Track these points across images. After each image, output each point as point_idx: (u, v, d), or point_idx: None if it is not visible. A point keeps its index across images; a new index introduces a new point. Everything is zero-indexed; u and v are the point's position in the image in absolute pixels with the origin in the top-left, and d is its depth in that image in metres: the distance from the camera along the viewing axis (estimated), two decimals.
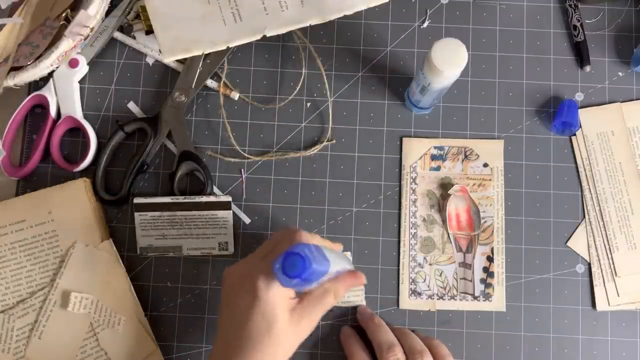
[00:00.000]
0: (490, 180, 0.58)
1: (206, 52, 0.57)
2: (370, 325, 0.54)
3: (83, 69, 0.59)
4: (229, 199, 0.57)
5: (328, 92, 0.59)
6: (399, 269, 0.57)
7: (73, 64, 0.58)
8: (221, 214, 0.56)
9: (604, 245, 0.57)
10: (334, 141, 0.59)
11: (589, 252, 0.57)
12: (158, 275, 0.57)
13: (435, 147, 0.59)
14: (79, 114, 0.58)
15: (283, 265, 0.39)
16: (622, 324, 0.56)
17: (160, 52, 0.58)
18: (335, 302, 0.47)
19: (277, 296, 0.43)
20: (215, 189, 0.58)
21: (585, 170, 0.58)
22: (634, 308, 0.56)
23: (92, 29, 0.56)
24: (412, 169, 0.58)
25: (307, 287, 0.42)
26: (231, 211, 0.57)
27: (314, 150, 0.58)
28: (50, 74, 0.58)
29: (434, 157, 0.58)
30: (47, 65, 0.56)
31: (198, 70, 0.58)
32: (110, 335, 0.54)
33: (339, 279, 0.48)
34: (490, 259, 0.57)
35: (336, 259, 0.45)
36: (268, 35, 0.56)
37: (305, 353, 0.56)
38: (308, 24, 0.56)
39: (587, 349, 0.56)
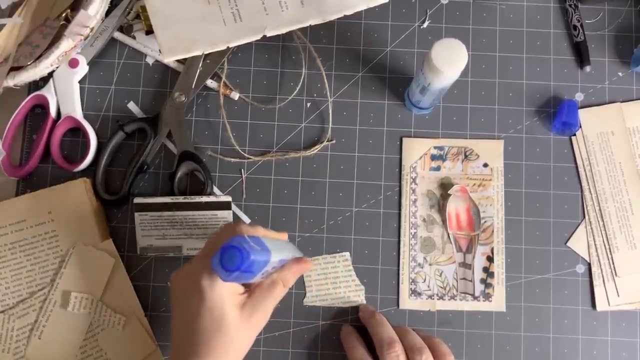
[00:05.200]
0: (490, 180, 0.58)
1: (206, 52, 0.57)
2: (372, 322, 0.54)
3: (83, 69, 0.59)
4: (229, 199, 0.57)
5: (328, 92, 0.59)
6: (399, 269, 0.57)
7: (73, 64, 0.58)
8: (221, 214, 0.56)
9: (604, 245, 0.57)
10: (334, 141, 0.59)
11: (589, 252, 0.57)
12: (158, 275, 0.57)
13: (435, 147, 0.59)
14: (79, 114, 0.58)
15: (221, 260, 0.39)
16: (622, 324, 0.56)
17: (160, 52, 0.58)
18: (285, 291, 0.47)
19: (224, 293, 0.43)
20: (215, 189, 0.58)
21: (585, 170, 0.58)
22: (634, 308, 0.56)
23: (92, 29, 0.56)
24: (412, 169, 0.58)
25: (252, 279, 0.42)
26: (231, 211, 0.57)
27: (314, 150, 0.58)
28: (50, 74, 0.58)
29: (434, 157, 0.58)
30: (47, 65, 0.56)
31: (198, 70, 0.58)
32: (110, 335, 0.54)
33: (286, 268, 0.48)
34: (490, 259, 0.57)
35: (279, 248, 0.45)
36: (268, 35, 0.56)
37: (305, 353, 0.56)
38: (308, 24, 0.56)
39: (587, 349, 0.56)
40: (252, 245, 0.40)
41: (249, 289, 0.46)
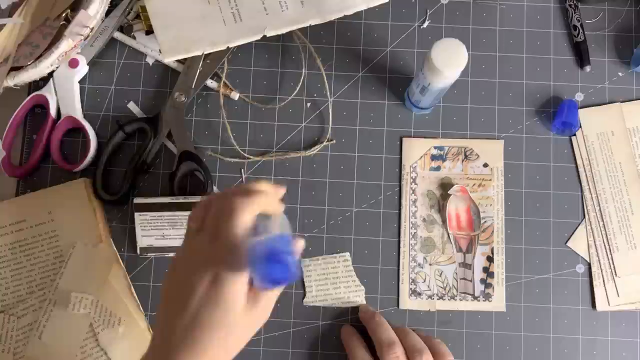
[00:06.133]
0: (490, 180, 0.58)
1: (206, 52, 0.57)
2: (372, 323, 0.54)
3: (83, 69, 0.59)
4: None
5: (328, 92, 0.59)
6: (399, 269, 0.57)
7: (73, 64, 0.58)
8: None
9: (604, 245, 0.57)
10: (334, 141, 0.59)
11: (589, 252, 0.57)
12: (158, 275, 0.57)
13: (435, 147, 0.59)
14: (79, 114, 0.58)
15: (263, 273, 0.37)
16: (622, 324, 0.56)
17: (160, 52, 0.58)
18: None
19: (237, 286, 0.40)
20: (215, 189, 0.58)
21: (585, 170, 0.58)
22: (634, 308, 0.56)
23: (92, 29, 0.56)
24: (412, 169, 0.58)
25: None
26: None
27: (314, 150, 0.58)
28: (50, 74, 0.58)
29: (434, 157, 0.58)
30: (47, 65, 0.56)
31: (198, 70, 0.58)
32: (110, 335, 0.54)
33: None
34: (490, 259, 0.57)
35: (288, 230, 0.43)
36: (268, 35, 0.56)
37: (305, 353, 0.56)
38: (308, 24, 0.56)
39: (587, 349, 0.56)
40: (293, 258, 0.37)
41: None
